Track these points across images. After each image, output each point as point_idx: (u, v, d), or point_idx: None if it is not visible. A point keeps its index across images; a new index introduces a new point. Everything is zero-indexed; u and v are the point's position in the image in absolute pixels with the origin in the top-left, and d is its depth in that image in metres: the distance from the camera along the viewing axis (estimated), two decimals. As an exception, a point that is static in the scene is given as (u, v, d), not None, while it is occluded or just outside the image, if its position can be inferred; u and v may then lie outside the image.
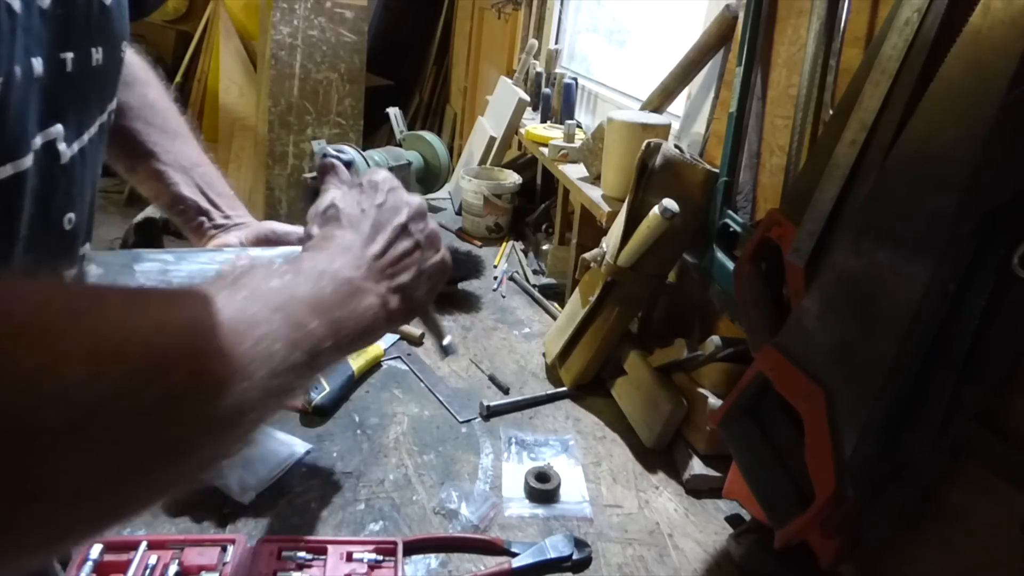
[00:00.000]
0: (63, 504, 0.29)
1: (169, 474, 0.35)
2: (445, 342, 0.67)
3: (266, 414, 0.43)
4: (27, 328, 0.29)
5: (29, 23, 0.50)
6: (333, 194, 0.60)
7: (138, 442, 0.32)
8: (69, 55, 0.55)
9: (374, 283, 0.55)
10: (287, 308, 0.46)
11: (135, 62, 0.80)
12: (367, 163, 1.70)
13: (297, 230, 0.76)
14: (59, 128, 0.55)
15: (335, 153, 0.74)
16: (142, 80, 0.80)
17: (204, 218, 0.81)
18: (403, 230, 0.58)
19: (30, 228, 0.54)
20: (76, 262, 0.64)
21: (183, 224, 0.82)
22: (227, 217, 0.82)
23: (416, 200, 0.61)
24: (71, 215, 0.60)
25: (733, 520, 0.90)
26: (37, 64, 0.51)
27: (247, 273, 0.47)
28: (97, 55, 0.59)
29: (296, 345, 0.44)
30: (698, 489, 0.94)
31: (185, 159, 0.82)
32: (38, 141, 0.53)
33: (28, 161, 0.52)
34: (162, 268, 0.65)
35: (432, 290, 0.61)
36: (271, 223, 0.81)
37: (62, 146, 0.56)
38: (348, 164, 0.71)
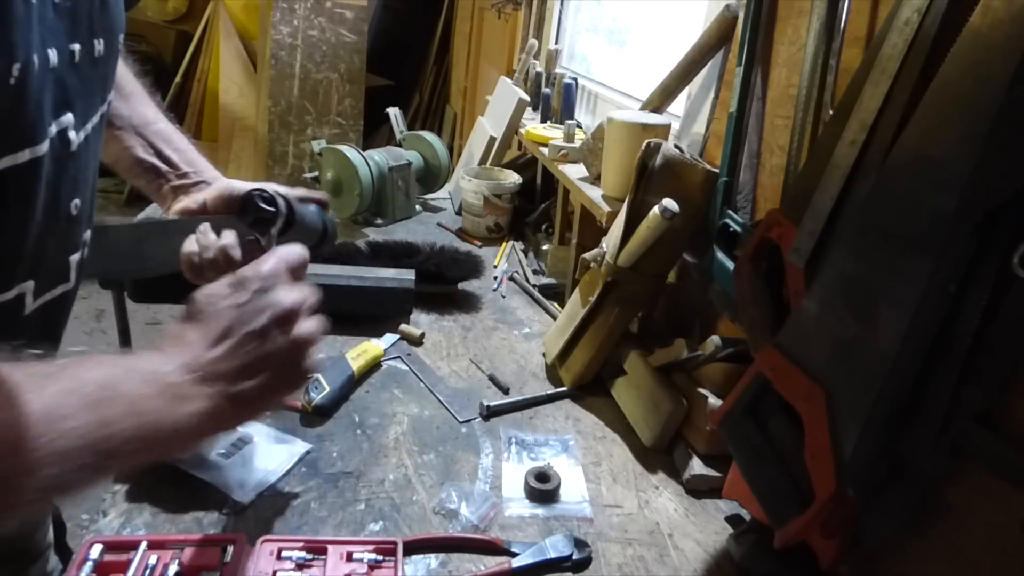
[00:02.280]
0: None
1: None
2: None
3: (41, 499, 0.44)
4: None
5: (44, 14, 0.51)
6: (208, 287, 0.58)
7: None
8: (76, 46, 0.56)
9: (208, 387, 0.52)
10: (101, 406, 0.46)
11: None
12: (367, 163, 1.70)
13: (254, 185, 0.75)
14: (70, 117, 0.57)
15: (259, 197, 0.73)
16: None
17: (162, 180, 0.79)
18: (258, 335, 0.55)
19: (43, 213, 0.55)
20: (80, 247, 0.65)
21: (146, 188, 0.81)
22: (184, 176, 0.80)
23: (291, 299, 0.57)
24: (77, 201, 0.61)
25: (733, 520, 0.90)
26: (52, 55, 0.52)
27: (80, 362, 0.48)
28: (99, 47, 0.60)
29: (93, 446, 0.45)
30: (698, 489, 0.94)
31: (139, 118, 0.80)
32: (53, 129, 0.54)
33: (44, 147, 0.53)
34: None
35: (279, 395, 0.58)
36: (231, 182, 0.79)
37: (72, 134, 0.57)
38: (271, 217, 0.70)
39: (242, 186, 0.77)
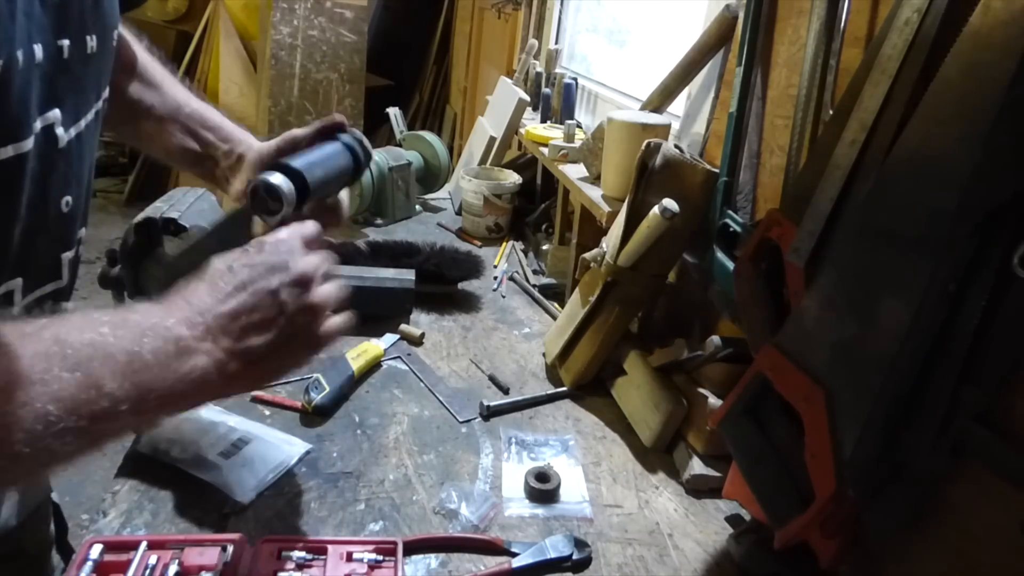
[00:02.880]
0: None
1: None
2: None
3: (32, 470, 0.43)
4: None
5: (31, 9, 0.51)
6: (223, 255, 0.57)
7: None
8: (66, 42, 0.56)
9: (211, 343, 0.51)
10: (86, 367, 0.44)
11: None
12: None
13: (305, 131, 0.76)
14: (57, 113, 0.56)
15: (265, 188, 0.69)
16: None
17: (210, 164, 0.81)
18: (270, 293, 0.54)
19: (29, 209, 0.55)
20: (74, 244, 0.65)
21: (201, 176, 0.83)
22: (226, 155, 0.80)
23: (305, 265, 0.57)
24: (68, 198, 0.61)
25: (733, 520, 0.90)
26: (38, 50, 0.52)
27: (65, 320, 0.45)
28: (91, 43, 0.60)
29: (75, 410, 0.42)
30: (698, 489, 0.94)
31: (171, 104, 0.81)
32: (38, 125, 0.54)
33: (29, 144, 0.53)
34: None
35: (292, 360, 0.57)
36: (259, 152, 0.79)
37: (60, 131, 0.57)
38: (274, 191, 0.67)
39: (267, 153, 0.78)
